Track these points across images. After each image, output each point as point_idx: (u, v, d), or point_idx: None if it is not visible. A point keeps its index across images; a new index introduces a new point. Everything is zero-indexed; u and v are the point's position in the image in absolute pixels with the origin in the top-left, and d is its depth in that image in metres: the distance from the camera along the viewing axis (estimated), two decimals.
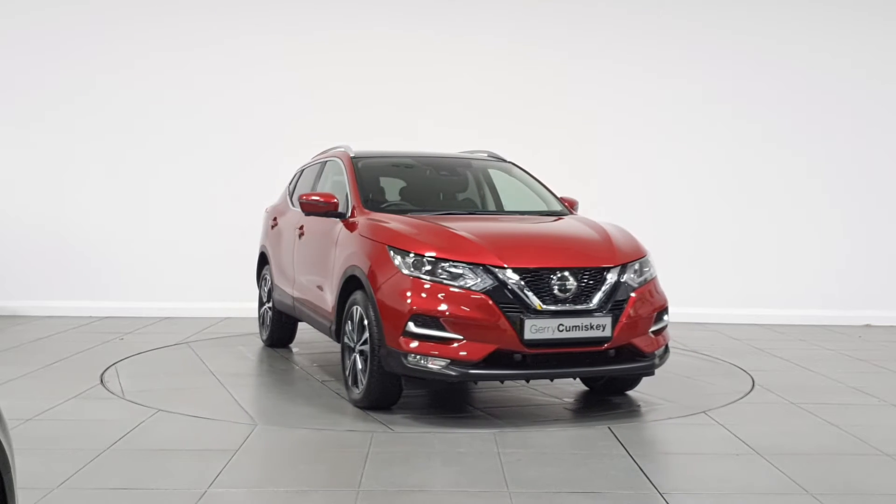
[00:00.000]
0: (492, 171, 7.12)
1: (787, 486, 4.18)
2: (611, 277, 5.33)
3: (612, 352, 5.32)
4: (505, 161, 7.17)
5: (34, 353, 7.54)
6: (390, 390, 5.49)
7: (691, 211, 10.31)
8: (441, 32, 10.32)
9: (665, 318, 5.68)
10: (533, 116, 10.23)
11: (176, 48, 10.17)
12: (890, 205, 10.34)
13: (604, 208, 9.94)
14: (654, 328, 5.52)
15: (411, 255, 5.27)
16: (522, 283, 5.13)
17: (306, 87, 10.23)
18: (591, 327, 5.16)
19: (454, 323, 5.06)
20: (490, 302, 5.07)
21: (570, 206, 6.69)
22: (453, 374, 5.07)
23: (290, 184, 8.04)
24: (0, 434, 2.44)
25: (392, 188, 6.74)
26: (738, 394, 6.24)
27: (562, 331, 5.10)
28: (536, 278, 5.17)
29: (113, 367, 6.91)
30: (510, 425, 5.29)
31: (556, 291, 5.16)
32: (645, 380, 6.64)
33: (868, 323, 10.08)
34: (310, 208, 6.21)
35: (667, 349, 5.70)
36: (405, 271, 5.24)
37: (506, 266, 5.15)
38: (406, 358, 5.13)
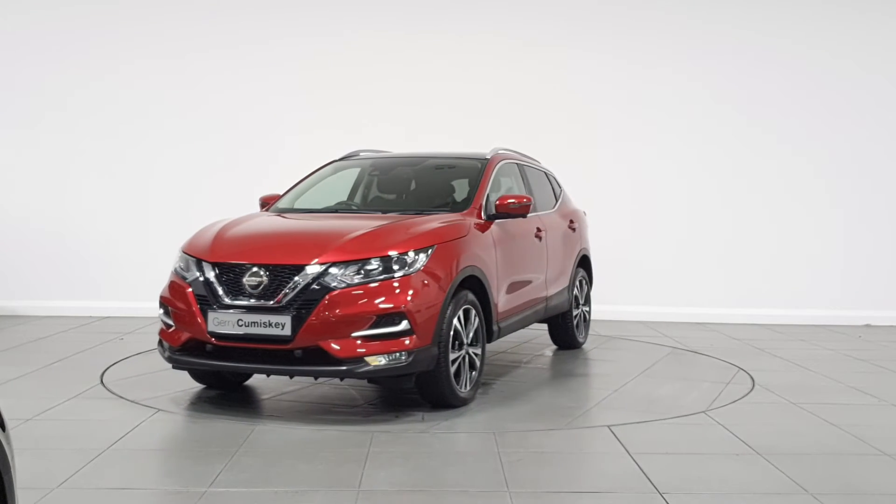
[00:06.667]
0: (464, 170, 6.93)
1: (787, 486, 4.18)
2: (303, 275, 5.16)
3: (298, 352, 5.15)
4: (481, 160, 6.81)
5: (34, 353, 7.53)
6: (196, 373, 6.00)
7: (691, 210, 10.31)
8: (441, 33, 10.31)
9: (399, 322, 5.13)
10: (533, 115, 10.22)
11: (175, 49, 10.16)
12: (890, 205, 10.33)
13: (605, 208, 10.02)
14: (364, 332, 5.09)
15: (179, 250, 5.80)
16: (215, 276, 5.36)
17: (305, 86, 10.22)
18: (270, 325, 5.14)
19: (172, 312, 5.56)
20: (190, 293, 5.42)
21: (502, 205, 6.14)
22: (167, 359, 5.63)
23: None
24: (0, 434, 2.44)
25: (345, 190, 7.07)
26: (738, 394, 6.24)
27: (241, 326, 5.19)
28: (233, 273, 5.33)
29: (113, 367, 6.91)
30: (510, 425, 5.29)
31: (246, 287, 5.25)
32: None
33: (868, 323, 10.07)
34: (261, 208, 6.76)
35: (384, 357, 5.09)
36: (175, 264, 5.79)
37: (206, 260, 5.45)
38: (160, 343, 5.73)
